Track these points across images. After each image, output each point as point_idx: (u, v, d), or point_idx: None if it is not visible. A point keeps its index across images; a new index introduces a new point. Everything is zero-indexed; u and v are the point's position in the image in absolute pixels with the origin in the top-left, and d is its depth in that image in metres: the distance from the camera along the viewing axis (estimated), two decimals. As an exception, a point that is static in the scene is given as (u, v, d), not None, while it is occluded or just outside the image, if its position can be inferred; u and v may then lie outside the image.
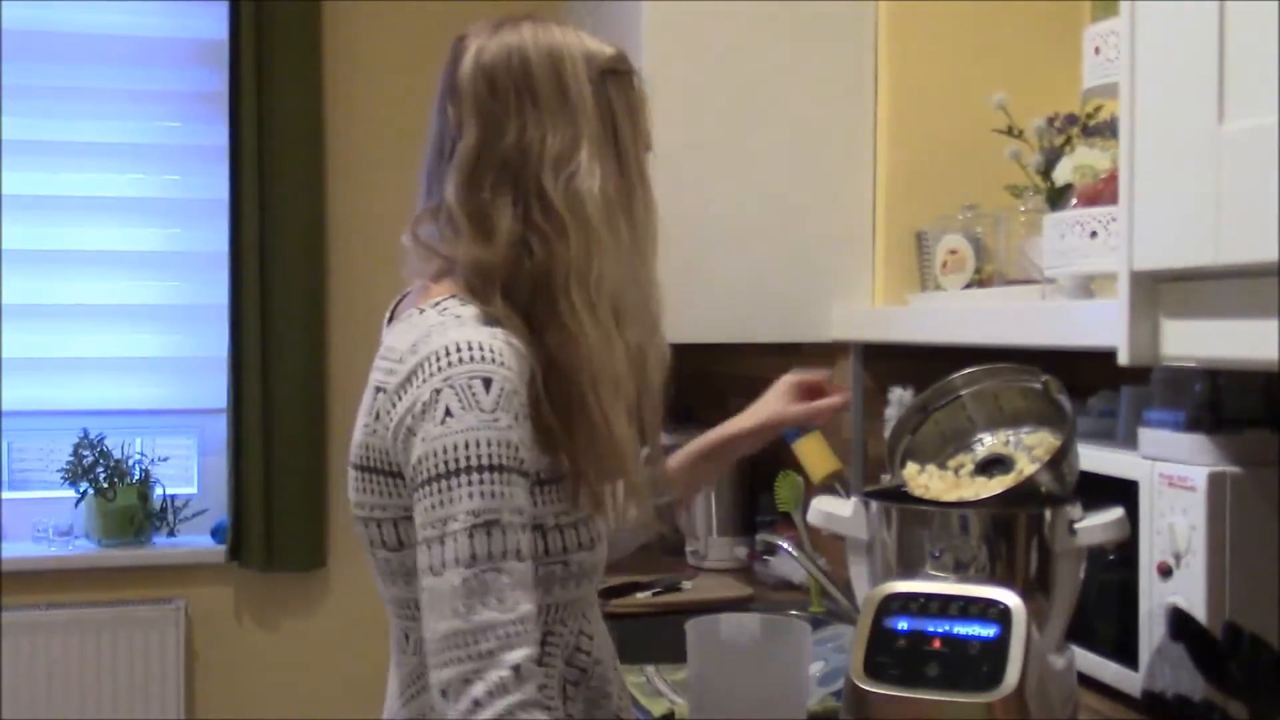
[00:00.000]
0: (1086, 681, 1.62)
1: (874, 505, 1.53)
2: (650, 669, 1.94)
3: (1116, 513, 1.45)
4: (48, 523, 3.20)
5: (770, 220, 2.38)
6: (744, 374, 2.86)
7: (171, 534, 3.27)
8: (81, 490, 3.16)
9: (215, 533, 3.26)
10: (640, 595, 2.43)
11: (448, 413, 1.17)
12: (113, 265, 3.24)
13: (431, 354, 1.20)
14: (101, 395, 3.24)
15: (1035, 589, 1.43)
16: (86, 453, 3.15)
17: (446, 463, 1.16)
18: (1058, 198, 1.80)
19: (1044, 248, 1.74)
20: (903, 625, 1.39)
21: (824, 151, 2.38)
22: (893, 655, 1.37)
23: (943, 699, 1.32)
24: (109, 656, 3.11)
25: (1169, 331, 1.04)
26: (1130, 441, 1.62)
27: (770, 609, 2.22)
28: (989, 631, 1.34)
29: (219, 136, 3.16)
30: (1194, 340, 1.02)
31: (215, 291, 3.19)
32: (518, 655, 1.13)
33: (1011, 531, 1.44)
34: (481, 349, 1.20)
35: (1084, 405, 1.82)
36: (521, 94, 1.28)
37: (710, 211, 2.35)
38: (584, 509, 1.30)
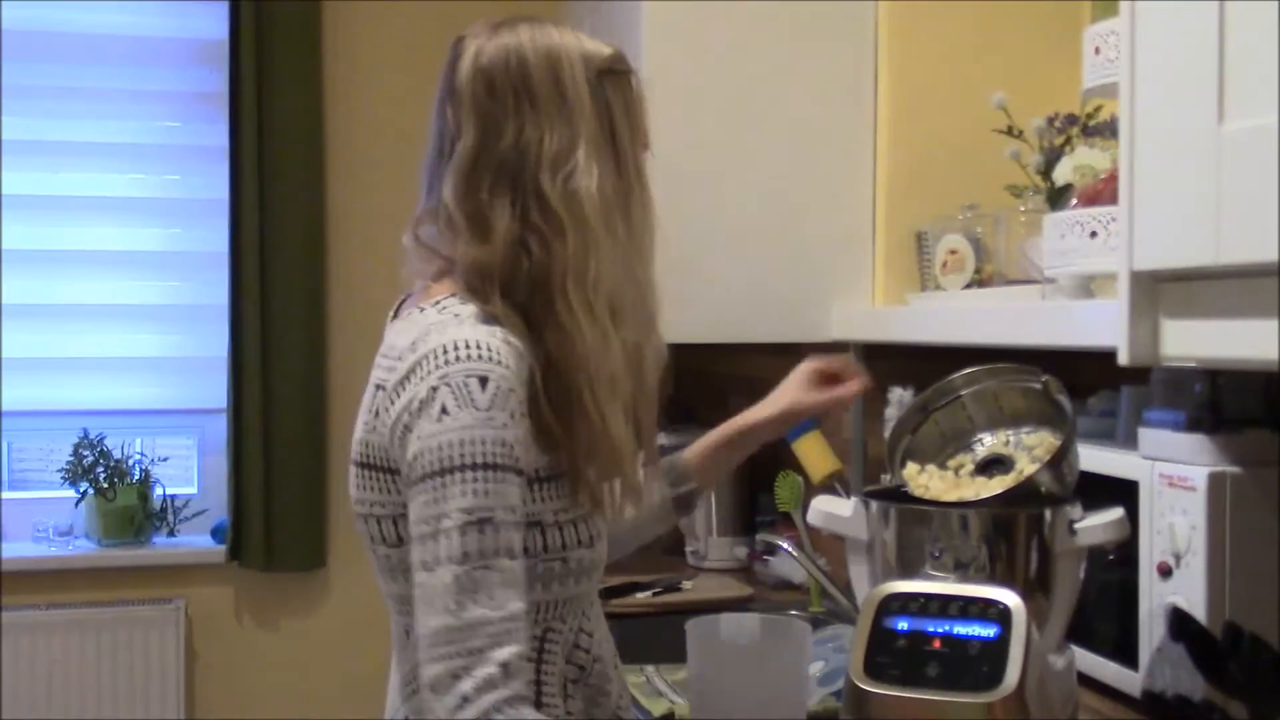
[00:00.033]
0: (1086, 681, 1.62)
1: (874, 505, 1.53)
2: (650, 669, 1.94)
3: (1116, 513, 1.45)
4: (48, 523, 3.21)
5: (770, 220, 2.38)
6: (744, 374, 2.86)
7: (171, 534, 3.27)
8: (81, 490, 3.16)
9: (215, 533, 3.26)
10: (640, 595, 2.43)
11: (444, 410, 1.18)
12: (113, 265, 3.24)
13: (430, 352, 1.21)
14: (101, 395, 3.24)
15: (1035, 589, 1.43)
16: (86, 453, 3.15)
17: (441, 460, 1.17)
18: (1058, 198, 1.80)
19: (1044, 248, 1.74)
20: (903, 625, 1.39)
21: (824, 151, 2.37)
22: (893, 655, 1.37)
23: (943, 699, 1.32)
24: (109, 656, 3.11)
25: (1169, 331, 1.04)
26: (1130, 441, 1.62)
27: (770, 609, 2.22)
28: (989, 631, 1.34)
29: (219, 136, 3.16)
30: (1194, 340, 1.02)
31: (215, 291, 3.19)
32: (506, 653, 1.14)
33: (1011, 531, 1.44)
34: (479, 347, 1.20)
35: (1084, 405, 1.82)
36: (519, 95, 1.29)
37: (710, 211, 2.35)
38: (583, 506, 1.31)
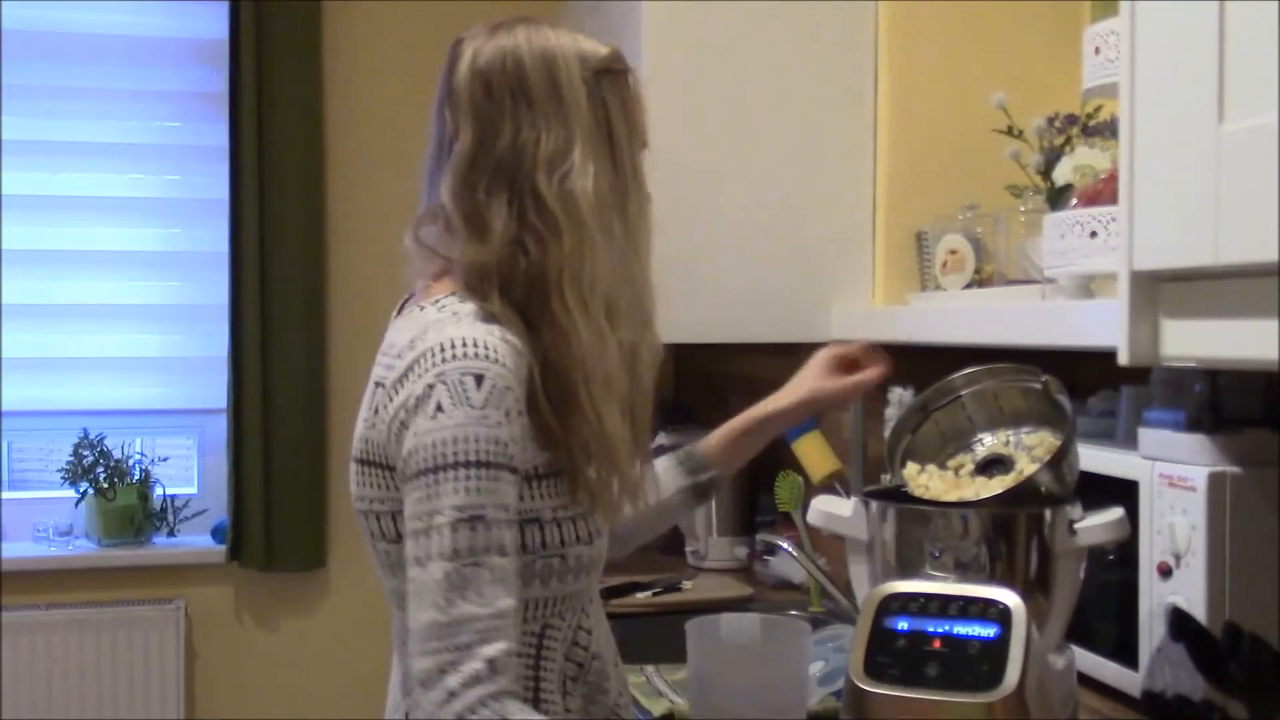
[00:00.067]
0: (1086, 681, 1.62)
1: (874, 505, 1.53)
2: (650, 669, 1.94)
3: (1116, 513, 1.45)
4: (48, 523, 3.21)
5: (770, 220, 2.38)
6: (744, 374, 2.86)
7: (171, 534, 3.27)
8: (81, 490, 3.16)
9: (215, 533, 3.26)
10: (640, 595, 2.43)
11: (439, 408, 1.19)
12: (113, 265, 3.24)
13: (428, 349, 1.22)
14: (101, 395, 3.24)
15: (1035, 589, 1.43)
16: (86, 453, 3.15)
17: (435, 457, 1.18)
18: (1058, 198, 1.80)
19: (1044, 248, 1.74)
20: (903, 625, 1.39)
21: (824, 151, 2.37)
22: (893, 655, 1.37)
23: (943, 699, 1.32)
24: (109, 656, 3.11)
25: (1169, 331, 1.04)
26: (1130, 441, 1.62)
27: (770, 609, 2.22)
28: (989, 631, 1.35)
29: (219, 136, 3.16)
30: (1194, 340, 1.02)
31: (215, 291, 3.19)
32: (493, 649, 1.15)
33: (1011, 531, 1.44)
34: (476, 345, 1.21)
35: (1084, 405, 1.82)
36: (516, 96, 1.30)
37: (710, 211, 2.35)
38: (582, 504, 1.31)
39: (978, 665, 1.33)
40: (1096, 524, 1.44)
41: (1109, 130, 1.81)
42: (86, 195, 3.21)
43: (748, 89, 2.36)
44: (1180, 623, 1.40)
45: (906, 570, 1.47)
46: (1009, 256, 2.06)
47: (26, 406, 3.19)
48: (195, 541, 3.26)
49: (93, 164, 3.22)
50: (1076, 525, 1.44)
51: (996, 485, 1.47)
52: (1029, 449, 1.54)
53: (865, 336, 2.29)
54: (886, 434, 1.73)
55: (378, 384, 1.29)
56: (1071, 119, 1.89)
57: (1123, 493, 1.54)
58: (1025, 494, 1.45)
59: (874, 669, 1.37)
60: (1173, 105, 0.99)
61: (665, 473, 1.62)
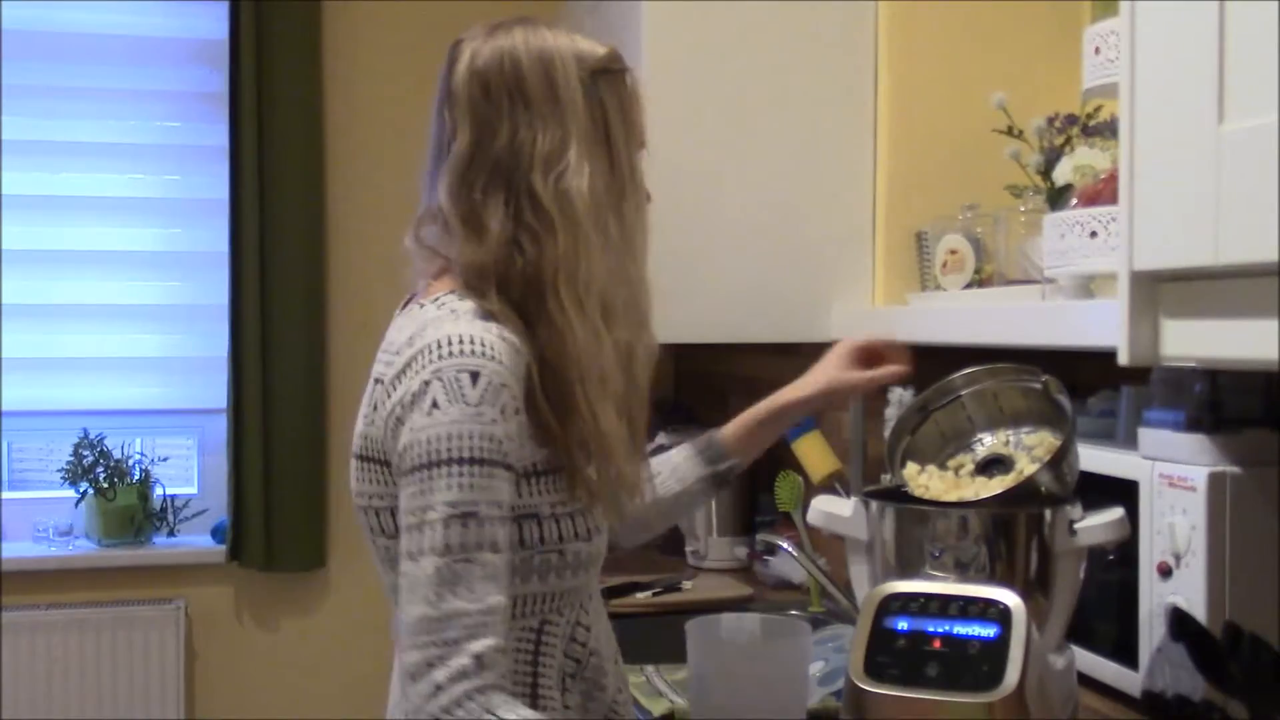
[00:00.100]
0: (1086, 681, 1.61)
1: (874, 505, 1.53)
2: (650, 669, 1.94)
3: (1116, 513, 1.45)
4: (48, 523, 3.20)
5: (770, 220, 2.38)
6: (744, 374, 2.86)
7: (171, 534, 3.27)
8: (81, 490, 3.16)
9: (215, 533, 3.26)
10: (640, 595, 2.43)
11: (434, 404, 1.20)
12: (113, 265, 3.24)
13: (425, 347, 1.24)
14: (101, 395, 3.24)
15: (1035, 589, 1.43)
16: (86, 453, 3.15)
17: (429, 453, 1.20)
18: (1058, 198, 1.80)
19: (1044, 248, 1.74)
20: (903, 625, 1.39)
21: (824, 151, 2.37)
22: (893, 655, 1.37)
23: (943, 699, 1.32)
24: (109, 656, 3.11)
25: (1169, 331, 1.04)
26: (1130, 441, 1.62)
27: (770, 609, 2.22)
28: (989, 631, 1.34)
29: (219, 136, 3.16)
30: (1194, 340, 1.02)
31: (215, 291, 3.19)
32: (480, 645, 1.16)
33: (1011, 531, 1.44)
34: (473, 343, 1.22)
35: (1084, 405, 1.82)
36: (513, 96, 1.31)
37: (710, 211, 2.35)
38: (580, 500, 1.32)
39: (978, 665, 1.33)
40: (1096, 524, 1.44)
41: (1109, 130, 1.81)
42: (86, 195, 3.21)
43: (748, 89, 2.36)
44: (1180, 623, 1.40)
45: (906, 570, 1.47)
46: (1009, 256, 2.06)
47: (26, 406, 3.19)
48: (195, 541, 3.26)
49: (93, 164, 3.22)
50: (1076, 525, 1.44)
51: (996, 485, 1.47)
52: (1029, 449, 1.54)
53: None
54: (886, 434, 1.73)
55: (377, 380, 1.31)
56: (1071, 119, 1.89)
57: (1123, 493, 1.54)
58: (1025, 494, 1.44)
59: (874, 669, 1.37)
60: (1173, 105, 0.99)
61: (685, 462, 1.63)
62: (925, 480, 1.54)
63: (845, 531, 1.56)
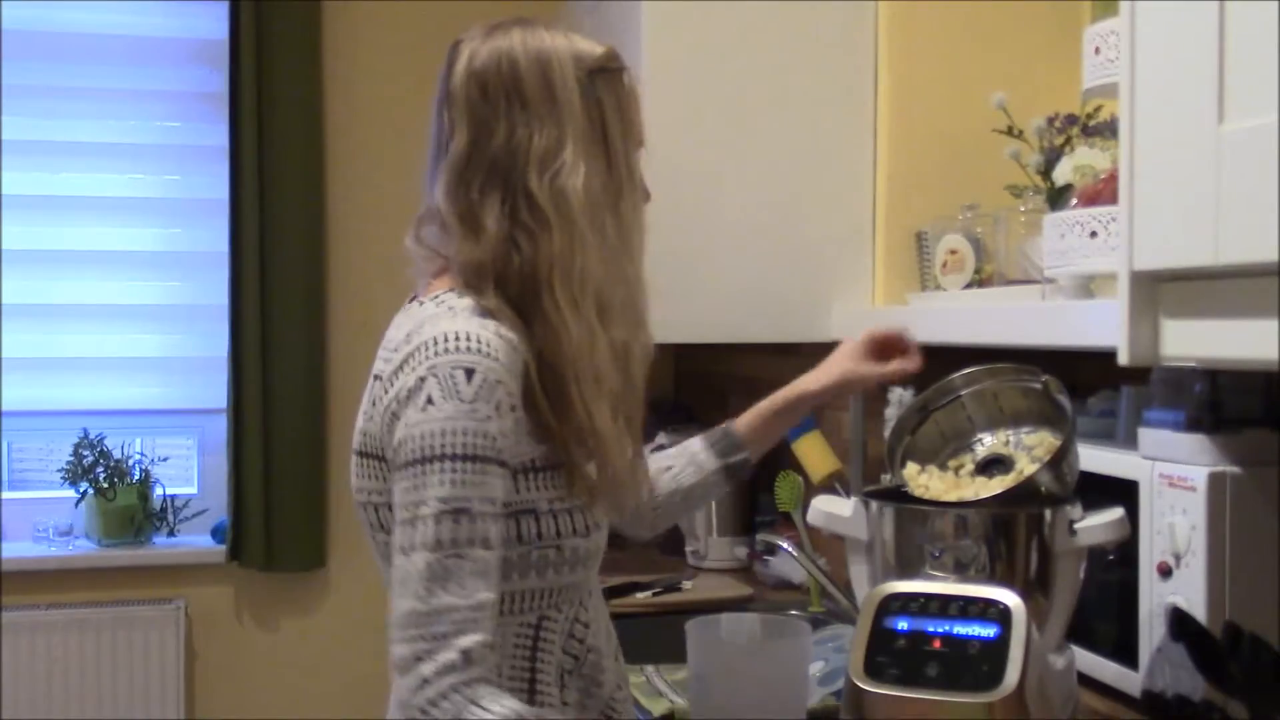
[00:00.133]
0: (1086, 681, 1.61)
1: (874, 505, 1.53)
2: (650, 669, 1.94)
3: (1116, 513, 1.45)
4: (48, 523, 3.20)
5: (770, 220, 2.38)
6: (744, 374, 2.86)
7: (171, 534, 3.27)
8: (81, 490, 3.16)
9: (215, 533, 3.26)
10: (640, 595, 2.43)
11: (429, 400, 1.21)
12: (113, 265, 3.24)
13: (423, 343, 1.24)
14: (101, 395, 3.24)
15: (1035, 589, 1.43)
16: (86, 453, 3.15)
17: (423, 449, 1.21)
18: (1058, 198, 1.80)
19: (1044, 248, 1.74)
20: (903, 625, 1.39)
21: (824, 151, 2.37)
22: (893, 655, 1.37)
23: (942, 699, 1.32)
24: (109, 656, 3.11)
25: (1169, 331, 1.04)
26: (1130, 441, 1.62)
27: (770, 609, 2.22)
28: (989, 631, 1.34)
29: (219, 136, 3.16)
30: (1194, 340, 1.02)
31: (215, 291, 3.19)
32: (468, 640, 1.17)
33: (1011, 531, 1.44)
34: (469, 340, 1.23)
35: (1084, 405, 1.82)
36: (510, 96, 1.31)
37: (710, 211, 2.35)
38: (580, 496, 1.32)
39: (978, 665, 1.33)
40: (1096, 524, 1.44)
41: (1109, 130, 1.81)
42: (86, 195, 3.21)
43: (748, 89, 2.36)
44: (1180, 623, 1.40)
45: (906, 570, 1.47)
46: (1009, 256, 2.06)
47: (26, 406, 3.19)
48: (195, 541, 3.26)
49: (93, 164, 3.22)
50: (1076, 525, 1.44)
51: (996, 485, 1.47)
52: (1029, 449, 1.54)
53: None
54: (886, 434, 1.73)
55: (376, 377, 1.32)
56: (1071, 119, 1.88)
57: (1123, 493, 1.54)
58: (1025, 494, 1.44)
59: (874, 669, 1.37)
60: (1173, 105, 0.99)
61: (699, 454, 1.63)
62: (925, 480, 1.54)
63: (845, 531, 1.56)
